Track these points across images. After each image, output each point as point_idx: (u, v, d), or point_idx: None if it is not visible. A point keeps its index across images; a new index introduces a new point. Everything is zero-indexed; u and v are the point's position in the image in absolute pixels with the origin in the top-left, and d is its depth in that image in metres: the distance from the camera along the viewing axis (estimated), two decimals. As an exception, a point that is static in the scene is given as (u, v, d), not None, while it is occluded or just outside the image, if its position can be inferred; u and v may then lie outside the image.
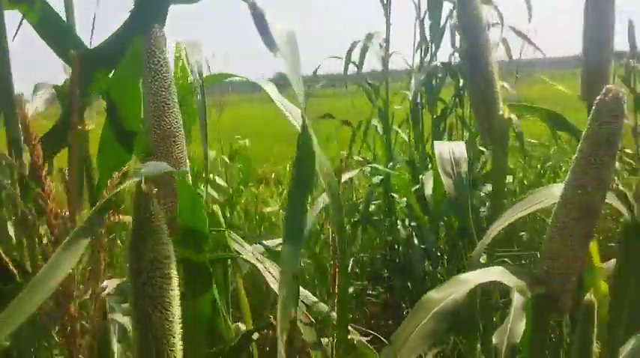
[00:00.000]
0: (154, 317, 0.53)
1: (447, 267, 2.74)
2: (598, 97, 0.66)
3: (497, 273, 0.72)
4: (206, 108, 0.94)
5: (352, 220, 3.46)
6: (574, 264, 0.70)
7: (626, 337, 0.91)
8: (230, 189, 3.46)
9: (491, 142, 0.91)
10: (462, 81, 3.07)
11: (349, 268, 3.16)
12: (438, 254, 2.89)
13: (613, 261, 0.95)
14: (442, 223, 2.92)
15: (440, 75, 3.15)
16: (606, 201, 0.73)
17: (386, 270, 3.16)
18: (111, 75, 0.86)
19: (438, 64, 2.99)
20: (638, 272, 0.77)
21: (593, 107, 0.66)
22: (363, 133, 3.48)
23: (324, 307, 1.00)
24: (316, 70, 3.63)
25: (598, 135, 0.65)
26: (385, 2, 3.09)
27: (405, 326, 0.72)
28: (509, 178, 3.37)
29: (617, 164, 3.61)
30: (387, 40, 3.24)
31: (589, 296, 0.99)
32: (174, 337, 0.55)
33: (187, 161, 0.77)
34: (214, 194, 3.27)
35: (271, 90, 0.85)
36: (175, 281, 0.54)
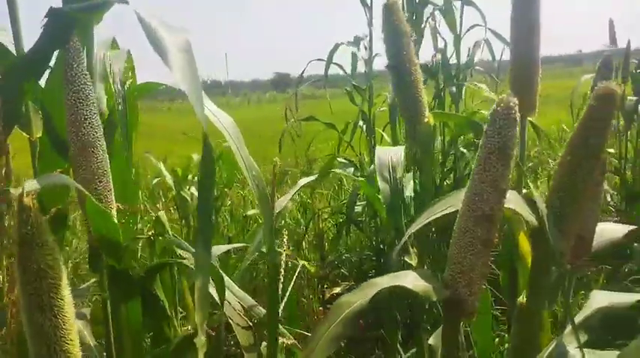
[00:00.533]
0: (45, 325, 0.55)
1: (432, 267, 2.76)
2: (492, 107, 0.68)
3: (405, 278, 0.74)
4: (127, 116, 0.96)
5: (338, 221, 3.48)
6: (477, 268, 0.71)
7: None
8: (215, 192, 3.48)
9: (418, 148, 0.93)
10: (442, 82, 3.09)
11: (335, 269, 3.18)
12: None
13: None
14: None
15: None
16: (511, 207, 0.75)
17: (373, 271, 3.18)
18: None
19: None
20: (547, 278, 0.79)
21: (488, 116, 0.68)
22: (350, 135, 3.51)
23: (261, 310, 1.02)
24: (302, 72, 3.66)
25: (492, 143, 0.67)
26: (369, 4, 3.11)
27: (318, 328, 0.74)
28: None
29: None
30: (370, 42, 3.27)
31: (522, 298, 1.01)
32: (68, 343, 0.57)
33: (109, 171, 0.79)
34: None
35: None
36: (65, 289, 0.56)
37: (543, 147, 5.42)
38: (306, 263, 3.15)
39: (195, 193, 3.27)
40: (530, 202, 0.77)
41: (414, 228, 0.85)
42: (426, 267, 0.99)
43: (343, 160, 3.34)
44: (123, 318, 0.86)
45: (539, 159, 4.37)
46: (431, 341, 1.04)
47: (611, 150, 3.66)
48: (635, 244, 3.18)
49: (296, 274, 1.17)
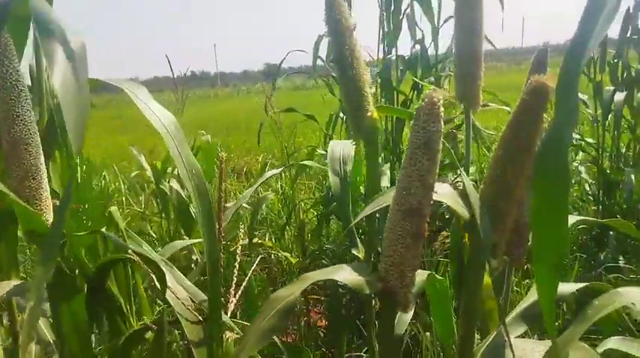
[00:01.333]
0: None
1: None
2: (419, 102, 0.68)
3: (338, 272, 0.75)
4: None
5: (320, 212, 3.49)
6: (408, 261, 0.72)
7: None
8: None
9: (364, 142, 0.94)
10: (419, 73, 3.09)
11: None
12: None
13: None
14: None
15: (401, 68, 3.18)
16: (443, 201, 0.76)
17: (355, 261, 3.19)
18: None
19: (394, 56, 3.01)
20: (481, 269, 0.80)
21: (415, 112, 0.69)
22: (332, 127, 3.51)
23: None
24: (281, 63, 3.64)
25: (417, 138, 0.68)
26: (348, -6, 3.08)
27: (255, 321, 0.75)
28: (472, 168, 3.42)
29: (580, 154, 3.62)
30: (350, 33, 3.24)
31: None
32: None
33: (43, 168, 0.78)
34: (179, 188, 3.28)
35: (141, 94, 0.86)
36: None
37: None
38: (287, 254, 3.16)
39: (175, 186, 3.26)
40: (465, 196, 0.78)
41: (355, 220, 0.86)
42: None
43: (323, 151, 3.33)
44: (65, 315, 0.87)
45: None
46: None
47: (590, 140, 3.70)
48: (611, 232, 3.23)
49: (254, 266, 1.17)
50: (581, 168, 3.72)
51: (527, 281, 2.43)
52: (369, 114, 0.91)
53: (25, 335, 0.57)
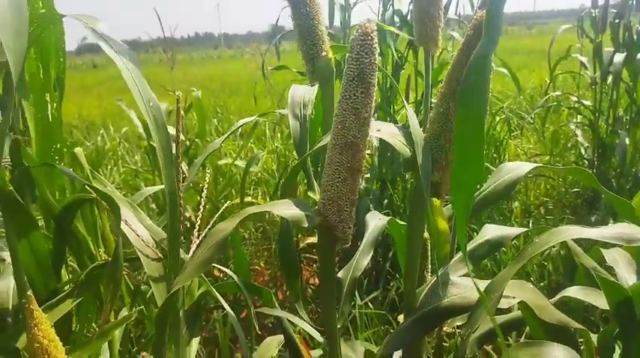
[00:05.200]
0: None
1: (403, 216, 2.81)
2: (353, 34, 0.68)
3: (278, 206, 0.76)
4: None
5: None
6: (345, 195, 0.73)
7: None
8: (187, 142, 3.47)
9: (318, 83, 0.93)
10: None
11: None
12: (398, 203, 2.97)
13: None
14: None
15: (398, 24, 3.13)
16: (384, 139, 0.76)
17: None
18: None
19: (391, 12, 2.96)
20: (423, 205, 0.81)
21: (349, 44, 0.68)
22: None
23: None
24: (277, 21, 3.58)
25: (351, 70, 0.68)
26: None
27: (195, 252, 0.77)
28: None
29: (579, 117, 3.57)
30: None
31: (426, 233, 1.04)
32: None
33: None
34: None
35: (99, 26, 0.86)
36: None
37: (526, 101, 5.39)
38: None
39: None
40: (407, 133, 0.78)
41: (304, 156, 0.87)
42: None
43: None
44: (25, 249, 0.89)
45: (516, 111, 4.36)
46: (340, 274, 1.08)
47: (587, 102, 3.65)
48: (602, 196, 3.22)
49: (220, 211, 1.19)
50: (578, 132, 3.68)
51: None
52: (323, 53, 0.91)
53: None
